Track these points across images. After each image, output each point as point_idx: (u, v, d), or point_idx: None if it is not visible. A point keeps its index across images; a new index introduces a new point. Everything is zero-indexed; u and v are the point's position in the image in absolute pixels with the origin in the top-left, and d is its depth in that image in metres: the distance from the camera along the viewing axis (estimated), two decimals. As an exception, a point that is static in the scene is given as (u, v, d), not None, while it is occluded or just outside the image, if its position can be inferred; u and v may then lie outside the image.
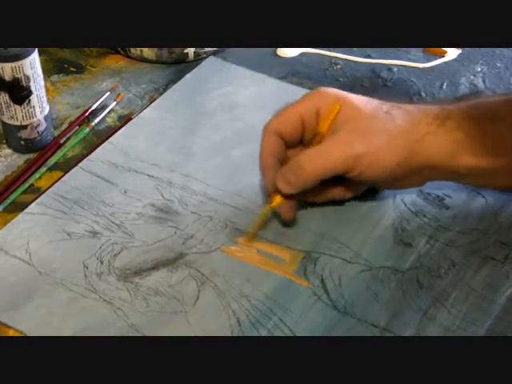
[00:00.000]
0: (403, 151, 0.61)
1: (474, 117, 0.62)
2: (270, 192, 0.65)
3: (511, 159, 0.62)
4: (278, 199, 0.64)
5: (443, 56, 0.86)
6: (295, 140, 0.65)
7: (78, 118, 0.77)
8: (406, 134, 0.61)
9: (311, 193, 0.65)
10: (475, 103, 0.63)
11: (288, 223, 0.66)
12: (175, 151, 0.74)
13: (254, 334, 0.59)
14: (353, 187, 0.66)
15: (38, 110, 0.72)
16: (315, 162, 0.61)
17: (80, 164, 0.72)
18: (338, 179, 0.64)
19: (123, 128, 0.76)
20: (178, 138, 0.75)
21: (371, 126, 0.62)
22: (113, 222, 0.67)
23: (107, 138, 0.75)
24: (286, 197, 0.64)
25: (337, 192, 0.66)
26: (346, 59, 0.86)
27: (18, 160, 0.74)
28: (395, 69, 0.84)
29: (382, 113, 0.62)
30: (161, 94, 0.80)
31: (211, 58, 0.85)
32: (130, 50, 0.84)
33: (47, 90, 0.74)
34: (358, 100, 0.63)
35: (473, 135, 0.61)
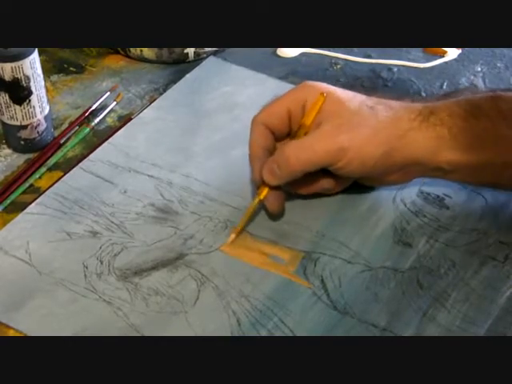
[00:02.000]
0: (386, 146, 0.62)
1: (458, 113, 0.62)
2: (258, 183, 0.65)
3: (495, 155, 0.62)
4: (265, 191, 0.64)
5: (443, 56, 0.86)
6: (283, 132, 0.66)
7: (78, 118, 0.77)
8: (388, 130, 0.62)
9: (298, 185, 0.66)
10: (459, 100, 0.63)
11: (275, 217, 0.67)
12: (175, 151, 0.74)
13: (254, 334, 0.59)
14: (339, 181, 0.66)
15: (37, 110, 0.72)
16: (299, 155, 0.62)
17: (80, 164, 0.72)
18: (325, 172, 0.64)
19: (123, 128, 0.76)
20: (177, 138, 0.75)
21: (355, 121, 0.62)
22: (113, 222, 0.67)
23: (107, 138, 0.75)
24: (273, 189, 0.64)
25: (323, 185, 0.66)
26: (345, 59, 0.86)
27: (18, 160, 0.74)
28: (395, 69, 0.84)
29: (366, 108, 0.63)
30: (161, 94, 0.80)
31: (211, 58, 0.85)
32: (129, 50, 0.84)
33: (47, 90, 0.74)
34: (342, 94, 0.64)
35: (456, 131, 0.61)
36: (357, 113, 0.62)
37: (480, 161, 0.62)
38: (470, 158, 0.62)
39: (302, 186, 0.66)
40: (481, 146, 0.62)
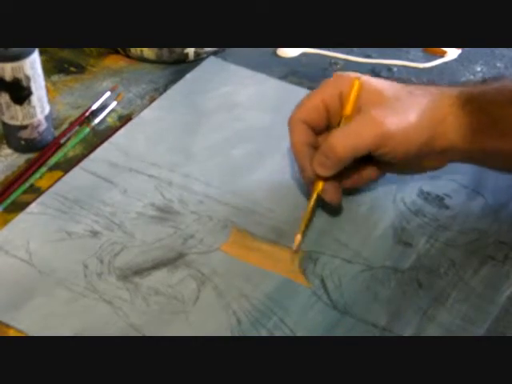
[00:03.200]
0: (429, 130, 0.62)
1: (497, 100, 0.62)
2: (310, 181, 0.65)
3: None
4: (320, 185, 0.64)
5: (443, 56, 0.86)
6: (322, 127, 0.65)
7: (79, 117, 0.77)
8: (430, 114, 0.62)
9: (345, 178, 0.65)
10: (498, 86, 0.63)
11: (336, 209, 0.66)
12: (175, 151, 0.74)
13: (254, 334, 0.59)
14: (379, 169, 0.66)
15: (38, 110, 0.72)
16: (345, 141, 0.62)
17: (80, 164, 0.72)
18: (366, 162, 0.64)
19: (123, 128, 0.76)
20: (178, 137, 0.75)
21: (397, 106, 0.62)
22: (113, 222, 0.67)
23: (107, 138, 0.75)
24: (328, 180, 0.64)
25: (366, 174, 0.66)
26: (345, 59, 0.86)
27: (19, 160, 0.74)
28: (395, 69, 0.84)
29: (405, 93, 0.63)
30: (161, 94, 0.80)
31: (211, 58, 0.85)
32: (130, 50, 0.84)
33: (47, 90, 0.74)
34: (379, 82, 0.64)
35: (495, 118, 0.61)
36: (397, 98, 0.62)
37: None
38: (510, 144, 0.62)
39: (348, 178, 0.66)
40: None
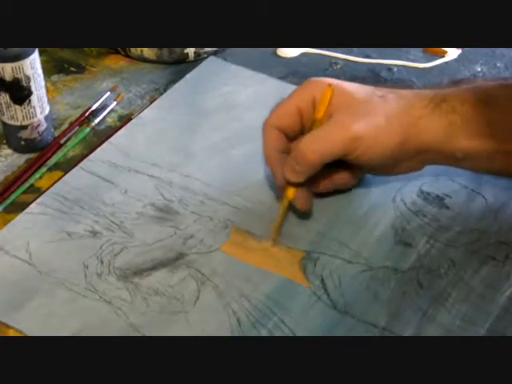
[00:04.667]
0: (400, 134, 0.62)
1: (470, 100, 0.62)
2: (281, 186, 0.65)
3: (507, 143, 0.62)
4: (291, 191, 0.64)
5: (443, 56, 0.86)
6: (296, 132, 0.65)
7: (79, 118, 0.77)
8: (401, 117, 0.62)
9: (315, 184, 0.66)
10: (471, 87, 0.63)
11: (305, 215, 0.66)
12: (175, 151, 0.74)
13: (254, 333, 0.59)
14: (353, 174, 0.67)
15: (38, 110, 0.72)
16: (314, 146, 0.62)
17: (80, 164, 0.72)
18: (339, 167, 0.65)
19: (123, 128, 0.76)
20: (178, 138, 0.75)
21: (367, 110, 0.62)
22: (113, 222, 0.67)
23: (107, 138, 0.75)
24: (299, 186, 0.64)
25: (338, 180, 0.67)
26: (345, 59, 0.86)
27: (19, 160, 0.74)
28: (395, 69, 0.84)
29: (376, 97, 0.63)
30: (161, 94, 0.80)
31: (211, 57, 0.85)
32: (130, 50, 0.84)
33: (47, 90, 0.74)
34: (350, 86, 0.64)
35: (468, 119, 0.61)
36: (368, 102, 0.62)
37: (492, 148, 0.62)
38: (482, 145, 0.62)
39: (319, 183, 0.66)
40: (493, 134, 0.61)
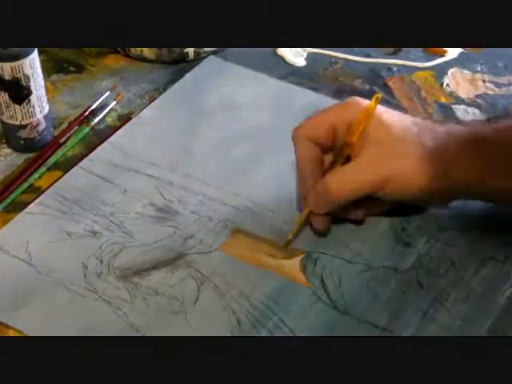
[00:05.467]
0: (432, 175, 0.61)
1: (506, 141, 0.61)
2: (304, 197, 0.64)
3: None
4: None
5: (443, 56, 0.86)
6: (326, 148, 0.64)
7: (78, 117, 0.77)
8: (435, 159, 0.61)
9: (347, 211, 0.65)
10: (505, 126, 0.62)
11: (320, 234, 0.66)
12: (175, 151, 0.74)
13: (254, 334, 0.59)
14: (380, 204, 0.65)
15: (37, 110, 0.72)
16: (342, 185, 0.61)
17: (80, 164, 0.72)
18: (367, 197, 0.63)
19: (123, 128, 0.76)
20: (177, 137, 0.75)
21: (400, 150, 0.61)
22: (112, 222, 0.67)
23: (107, 138, 0.75)
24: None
25: (368, 208, 0.65)
26: (345, 59, 0.86)
27: (18, 159, 0.74)
28: (395, 68, 0.84)
29: (411, 135, 0.62)
30: (161, 93, 0.80)
31: (211, 57, 0.85)
32: (130, 50, 0.84)
33: (47, 90, 0.74)
34: (390, 118, 0.62)
35: (503, 159, 0.61)
36: (402, 140, 0.61)
37: None
38: None
39: (349, 210, 0.65)
40: None
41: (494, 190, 0.62)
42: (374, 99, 0.62)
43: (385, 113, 0.63)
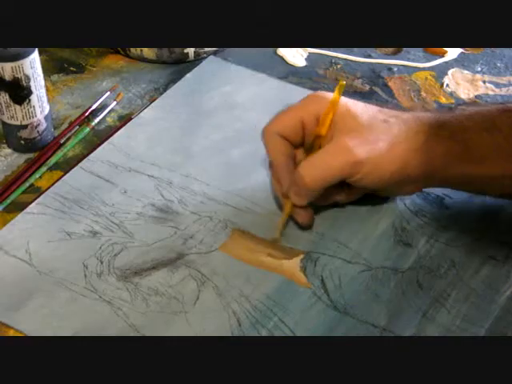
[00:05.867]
0: (401, 160, 0.61)
1: (470, 127, 0.62)
2: (285, 193, 0.65)
3: (508, 168, 0.61)
4: (289, 203, 0.64)
5: (443, 56, 0.86)
6: (296, 143, 0.65)
7: (78, 117, 0.77)
8: (403, 144, 0.62)
9: (323, 198, 0.65)
10: (471, 113, 0.63)
11: (305, 228, 0.66)
12: (175, 151, 0.74)
13: (254, 334, 0.59)
14: (354, 191, 0.66)
15: (38, 110, 0.72)
16: (314, 172, 0.62)
17: (80, 164, 0.72)
18: (339, 184, 0.64)
19: (123, 128, 0.76)
20: (178, 137, 0.75)
21: (369, 135, 0.62)
22: (113, 222, 0.67)
23: (107, 138, 0.75)
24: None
25: (335, 197, 0.67)
26: (345, 59, 0.86)
27: (18, 160, 0.74)
28: (395, 69, 0.84)
29: (379, 122, 0.63)
30: (161, 93, 0.80)
31: (211, 57, 0.85)
32: (129, 50, 0.84)
33: (47, 90, 0.74)
34: (355, 106, 0.64)
35: (470, 145, 0.61)
36: (370, 126, 0.62)
37: (493, 174, 0.61)
38: (483, 171, 0.61)
39: (320, 198, 0.65)
40: (494, 160, 0.61)
41: (460, 177, 0.62)
42: (337, 89, 0.63)
43: (349, 102, 0.64)
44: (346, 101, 0.64)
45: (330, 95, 0.64)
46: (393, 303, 0.61)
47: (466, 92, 0.81)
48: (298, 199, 0.63)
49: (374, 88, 0.82)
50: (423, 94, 0.81)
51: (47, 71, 0.82)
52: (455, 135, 0.62)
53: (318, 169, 0.62)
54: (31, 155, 0.74)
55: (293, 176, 0.63)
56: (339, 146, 0.62)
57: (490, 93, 0.81)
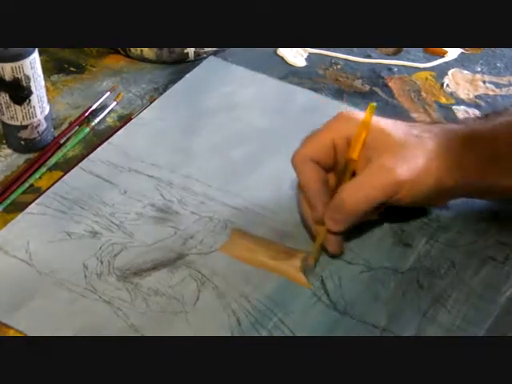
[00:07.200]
0: (436, 176, 0.60)
1: (502, 138, 0.61)
2: (318, 220, 0.62)
3: None
4: (323, 230, 0.62)
5: (443, 56, 0.86)
6: (328, 167, 0.63)
7: (78, 118, 0.77)
8: (436, 159, 0.61)
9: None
10: (503, 122, 0.63)
11: (335, 256, 0.65)
12: (175, 151, 0.74)
13: (254, 334, 0.59)
14: (382, 207, 0.64)
15: (38, 110, 0.72)
16: (357, 195, 0.60)
17: (80, 164, 0.72)
18: None
19: (123, 128, 0.76)
20: (178, 138, 0.75)
21: (405, 153, 0.61)
22: (113, 222, 0.67)
23: (107, 138, 0.75)
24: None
25: (373, 216, 0.64)
26: (346, 59, 0.86)
27: (18, 160, 0.74)
28: (395, 69, 0.84)
29: (412, 137, 0.61)
30: (161, 93, 0.80)
31: (211, 57, 0.85)
32: (130, 50, 0.84)
33: (47, 90, 0.74)
34: (386, 124, 0.62)
35: (501, 155, 0.61)
36: (405, 143, 0.61)
37: None
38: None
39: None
40: None
41: (494, 187, 0.62)
42: (368, 110, 0.61)
43: (381, 121, 0.62)
44: (376, 120, 0.62)
45: (359, 114, 0.62)
46: (393, 303, 0.61)
47: (466, 92, 0.81)
48: (335, 225, 0.61)
49: (374, 88, 0.82)
50: (423, 94, 0.81)
51: (47, 71, 0.82)
52: (489, 146, 0.61)
53: (360, 191, 0.60)
54: (31, 155, 0.74)
55: (328, 202, 0.61)
56: (380, 167, 0.60)
57: (490, 93, 0.81)
